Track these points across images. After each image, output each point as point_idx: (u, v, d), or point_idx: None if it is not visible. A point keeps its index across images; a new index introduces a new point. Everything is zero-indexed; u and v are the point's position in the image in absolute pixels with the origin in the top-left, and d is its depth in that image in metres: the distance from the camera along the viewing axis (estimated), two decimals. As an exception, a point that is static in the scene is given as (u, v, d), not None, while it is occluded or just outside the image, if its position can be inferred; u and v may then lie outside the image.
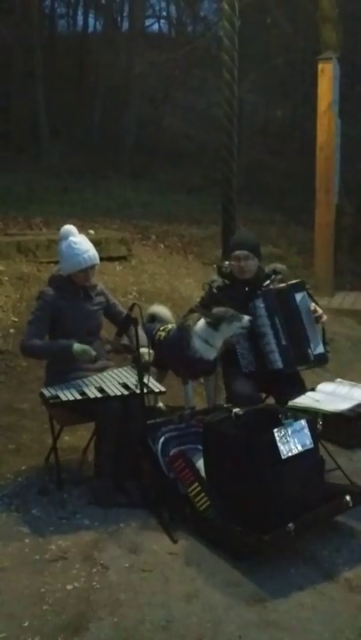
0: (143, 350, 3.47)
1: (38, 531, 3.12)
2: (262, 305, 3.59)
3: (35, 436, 4.04)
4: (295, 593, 2.67)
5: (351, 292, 7.61)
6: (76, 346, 3.42)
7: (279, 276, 3.76)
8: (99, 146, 13.67)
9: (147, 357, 3.47)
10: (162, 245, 7.56)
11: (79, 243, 3.55)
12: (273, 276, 3.76)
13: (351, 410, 3.52)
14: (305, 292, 3.66)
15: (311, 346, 3.64)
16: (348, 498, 3.00)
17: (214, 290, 3.79)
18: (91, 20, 17.55)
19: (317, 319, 3.67)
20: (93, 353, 3.45)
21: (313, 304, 3.68)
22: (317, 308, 3.68)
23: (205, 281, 4.03)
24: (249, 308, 3.63)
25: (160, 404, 4.26)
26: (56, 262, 6.04)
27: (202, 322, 3.58)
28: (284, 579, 2.76)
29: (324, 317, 3.74)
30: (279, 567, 2.83)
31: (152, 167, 13.03)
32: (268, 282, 3.74)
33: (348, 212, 8.39)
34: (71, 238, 3.55)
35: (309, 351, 3.63)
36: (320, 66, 6.14)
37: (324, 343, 3.76)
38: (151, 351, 3.51)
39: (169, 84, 15.80)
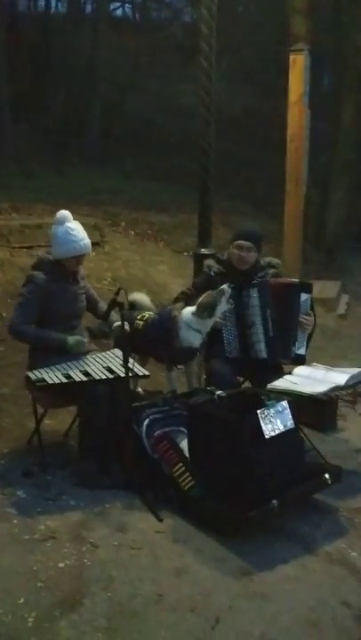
0: (117, 324, 3.57)
1: (26, 512, 3.16)
2: (256, 295, 3.69)
3: (15, 420, 4.06)
4: (280, 566, 2.80)
5: (318, 280, 7.78)
6: (70, 339, 3.49)
7: (273, 270, 3.86)
8: (63, 131, 13.51)
9: (119, 327, 3.55)
10: (132, 232, 7.59)
11: (75, 229, 3.59)
12: (267, 269, 3.85)
13: (324, 393, 3.65)
14: (310, 296, 3.78)
15: (296, 345, 3.77)
16: (326, 476, 3.14)
17: (212, 273, 3.86)
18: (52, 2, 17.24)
19: (306, 326, 3.79)
20: (85, 340, 3.49)
21: (311, 311, 3.80)
22: (311, 317, 3.80)
23: (182, 269, 4.12)
24: (242, 297, 3.72)
25: (139, 389, 4.33)
26: (29, 247, 6.06)
27: (189, 310, 3.63)
28: (269, 553, 2.89)
29: (312, 326, 3.84)
30: (263, 542, 2.95)
31: (117, 153, 12.96)
32: (262, 273, 3.82)
33: (314, 202, 8.57)
34: (67, 224, 3.59)
35: (293, 349, 3.76)
36: (292, 57, 6.24)
37: (307, 347, 3.88)
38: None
39: (134, 69, 15.71)
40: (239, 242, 3.76)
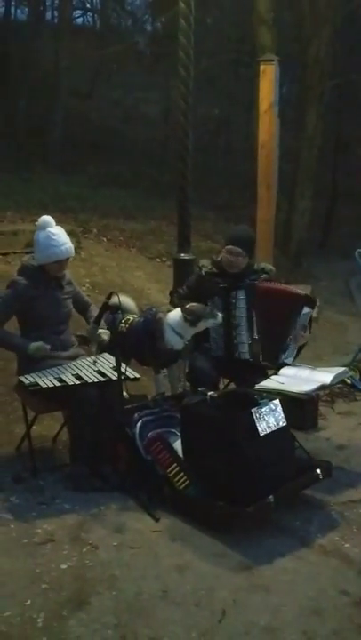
0: (101, 330, 3.62)
1: (21, 516, 3.16)
2: (243, 297, 3.78)
3: (2, 427, 4.04)
4: (277, 559, 2.87)
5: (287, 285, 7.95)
6: (31, 346, 3.50)
7: (265, 276, 3.93)
8: (24, 138, 13.41)
9: (105, 337, 3.63)
10: (104, 239, 7.61)
11: (57, 234, 3.61)
12: (260, 274, 3.92)
13: (311, 392, 3.76)
14: (311, 311, 3.84)
15: (285, 354, 3.84)
16: (318, 471, 3.24)
17: (203, 273, 3.92)
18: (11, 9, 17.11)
19: (300, 341, 3.88)
20: (47, 347, 3.51)
21: (308, 326, 3.88)
22: (307, 333, 3.88)
23: (158, 275, 4.19)
24: (230, 297, 3.80)
25: (125, 393, 4.35)
26: (4, 254, 6.03)
27: (176, 315, 3.69)
28: (265, 547, 2.96)
29: (303, 342, 3.94)
30: (259, 537, 3.02)
31: (80, 161, 12.94)
32: (253, 277, 3.89)
33: (282, 209, 8.74)
34: (49, 229, 3.60)
35: (281, 356, 3.83)
36: (262, 67, 6.38)
37: (295, 358, 3.95)
38: (107, 331, 3.66)
39: (95, 77, 15.74)
40: (229, 247, 3.83)
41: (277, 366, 3.86)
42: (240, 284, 3.81)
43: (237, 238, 3.87)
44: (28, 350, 3.49)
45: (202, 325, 3.68)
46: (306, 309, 3.81)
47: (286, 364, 3.86)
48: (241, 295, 3.78)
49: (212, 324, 3.72)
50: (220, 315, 3.67)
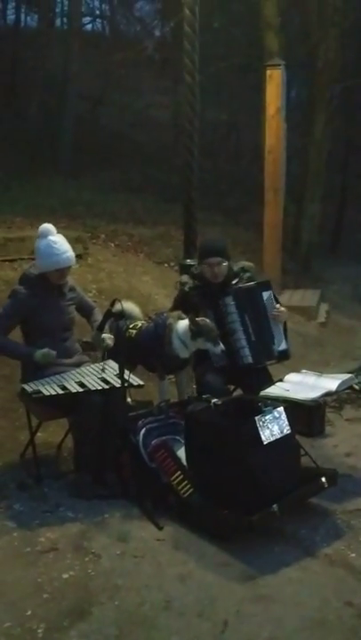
0: (105, 335, 3.61)
1: (25, 524, 3.15)
2: (233, 302, 3.76)
3: (7, 434, 4.04)
4: (282, 569, 2.84)
5: (297, 289, 7.93)
6: (37, 353, 3.49)
7: (247, 274, 3.93)
8: (36, 144, 13.48)
9: (109, 342, 3.62)
10: (112, 245, 7.62)
11: (58, 242, 3.60)
12: (241, 274, 3.92)
13: (317, 399, 3.72)
14: (271, 291, 3.85)
15: (275, 342, 3.85)
16: (323, 479, 3.20)
17: (186, 289, 3.91)
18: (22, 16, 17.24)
19: (280, 317, 3.87)
20: (53, 353, 3.50)
21: (278, 303, 3.88)
22: (281, 307, 3.88)
23: (166, 280, 4.17)
24: (220, 306, 3.79)
25: (128, 399, 4.34)
26: (12, 260, 6.05)
27: (184, 323, 3.66)
28: (270, 557, 2.93)
29: (287, 316, 3.94)
30: (263, 547, 2.99)
31: (91, 166, 12.98)
32: (236, 279, 3.89)
33: (290, 213, 8.73)
34: (50, 237, 3.60)
35: (274, 347, 3.84)
36: (268, 72, 6.38)
37: (286, 340, 3.96)
38: (112, 336, 3.65)
39: (106, 83, 15.78)
40: (209, 260, 3.80)
41: (277, 358, 3.86)
42: (227, 289, 3.79)
43: (213, 249, 3.86)
44: (34, 357, 3.48)
45: (200, 343, 3.60)
46: (265, 294, 3.81)
47: (284, 351, 3.86)
48: (230, 301, 3.76)
49: (209, 348, 3.63)
50: (220, 347, 3.60)
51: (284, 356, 3.92)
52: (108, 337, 3.64)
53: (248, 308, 3.79)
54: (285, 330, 3.97)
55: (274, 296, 3.90)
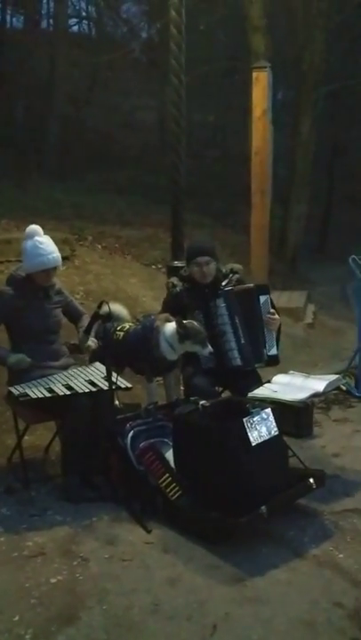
0: (90, 339, 3.59)
1: (12, 529, 3.12)
2: (223, 304, 3.76)
3: (-6, 437, 4.01)
4: (270, 571, 2.83)
5: (284, 291, 7.94)
6: (11, 357, 3.49)
7: (236, 276, 3.93)
8: (21, 145, 13.42)
9: (91, 344, 3.61)
10: (99, 246, 7.60)
11: (44, 243, 3.58)
12: (231, 276, 3.92)
13: (305, 400, 3.73)
14: (268, 296, 3.85)
15: (266, 346, 3.85)
16: (311, 480, 3.21)
17: (177, 290, 3.90)
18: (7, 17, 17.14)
19: (273, 324, 3.87)
20: (28, 360, 3.49)
21: (273, 309, 3.88)
22: (275, 315, 3.87)
23: (153, 282, 4.16)
24: (210, 307, 3.78)
25: (116, 402, 4.32)
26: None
27: (171, 326, 3.64)
28: (258, 559, 2.92)
29: (279, 324, 3.93)
30: (252, 548, 2.98)
31: (77, 168, 12.94)
32: (226, 281, 3.89)
33: (276, 215, 8.75)
34: (37, 238, 3.58)
35: (264, 351, 3.84)
36: (255, 74, 6.40)
37: (278, 346, 3.96)
38: (95, 340, 3.63)
39: (92, 84, 15.76)
40: (197, 259, 3.81)
41: (266, 362, 3.86)
42: (218, 291, 3.79)
43: (200, 249, 3.87)
44: (8, 362, 3.48)
45: (188, 346, 3.60)
46: (262, 298, 3.82)
47: (274, 356, 3.86)
48: (221, 303, 3.76)
49: (198, 351, 3.63)
50: (208, 349, 3.61)
51: (273, 360, 3.92)
52: (91, 340, 3.61)
53: (240, 310, 3.78)
54: (278, 336, 3.96)
55: (271, 302, 3.90)
